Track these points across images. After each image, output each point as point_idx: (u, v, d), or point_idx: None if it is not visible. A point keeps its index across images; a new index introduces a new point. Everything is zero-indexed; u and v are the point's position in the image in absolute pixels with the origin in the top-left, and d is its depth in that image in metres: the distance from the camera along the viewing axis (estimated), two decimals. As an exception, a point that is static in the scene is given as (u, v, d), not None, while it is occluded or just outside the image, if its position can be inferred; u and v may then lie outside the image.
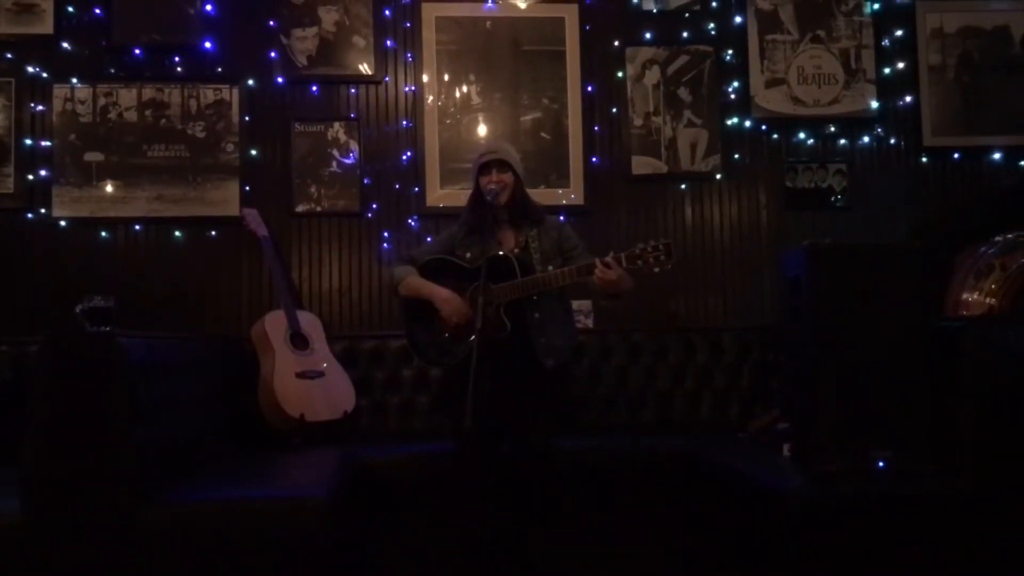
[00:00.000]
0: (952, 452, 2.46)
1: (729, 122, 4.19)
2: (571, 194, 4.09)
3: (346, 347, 3.72)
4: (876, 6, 4.24)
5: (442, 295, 3.03)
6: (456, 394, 2.68)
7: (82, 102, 3.92)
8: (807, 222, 4.15)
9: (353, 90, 4.09)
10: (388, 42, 4.10)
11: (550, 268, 3.02)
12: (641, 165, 4.14)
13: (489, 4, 4.11)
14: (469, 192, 3.25)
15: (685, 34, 4.19)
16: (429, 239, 3.80)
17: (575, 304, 3.80)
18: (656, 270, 2.81)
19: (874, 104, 4.20)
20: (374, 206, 4.04)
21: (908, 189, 4.20)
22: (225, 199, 3.96)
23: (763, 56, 4.21)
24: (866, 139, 4.23)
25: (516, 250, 3.09)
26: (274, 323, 3.47)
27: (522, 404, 2.84)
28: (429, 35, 4.09)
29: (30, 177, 3.89)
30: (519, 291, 2.93)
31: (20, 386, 2.30)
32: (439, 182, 4.05)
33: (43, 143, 3.91)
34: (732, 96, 4.21)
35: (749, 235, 4.18)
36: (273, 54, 4.03)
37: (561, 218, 3.43)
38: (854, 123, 4.22)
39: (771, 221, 4.19)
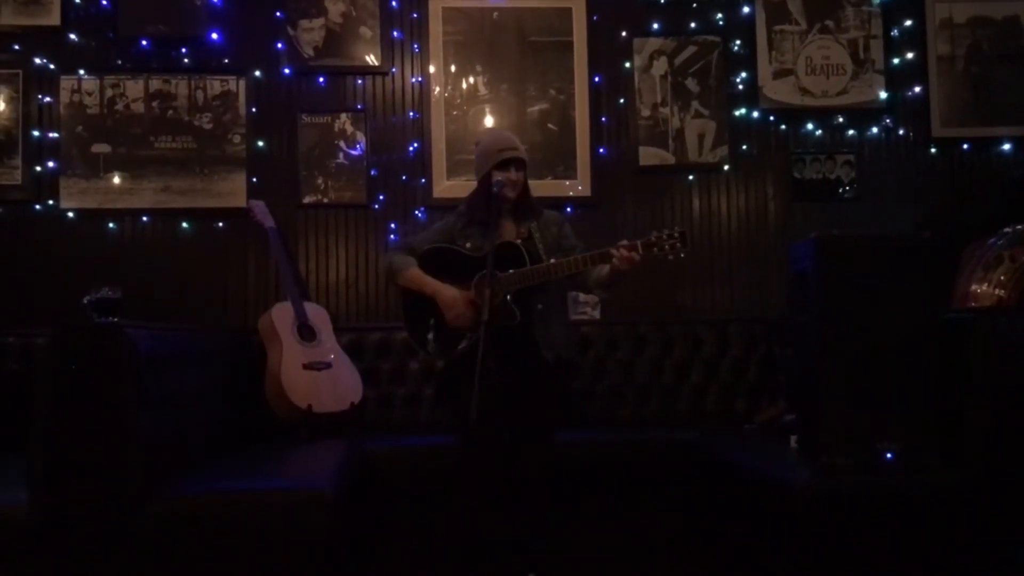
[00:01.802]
0: (960, 445, 2.45)
1: (737, 113, 4.17)
2: (578, 185, 4.08)
3: (353, 339, 3.72)
4: (885, -4, 4.21)
5: (447, 297, 2.94)
6: (458, 387, 2.67)
7: (89, 94, 3.92)
8: (815, 213, 4.12)
9: (360, 81, 4.08)
10: (395, 33, 4.09)
11: (551, 260, 2.99)
12: (648, 156, 4.13)
13: (496, -5, 4.10)
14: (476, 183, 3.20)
15: (693, 24, 4.17)
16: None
17: (582, 296, 3.79)
18: (671, 258, 2.78)
19: (883, 95, 4.17)
20: (381, 197, 4.04)
21: (916, 180, 4.18)
22: (232, 191, 3.96)
23: (771, 47, 4.18)
24: (874, 130, 4.20)
25: (519, 240, 3.06)
26: (281, 314, 3.48)
27: (524, 397, 2.82)
28: (436, 26, 4.08)
29: (38, 169, 3.90)
30: (528, 279, 2.88)
31: (28, 378, 2.31)
32: (446, 173, 4.04)
33: (50, 135, 3.91)
34: (740, 87, 4.19)
35: (756, 226, 4.16)
36: (280, 45, 4.02)
37: (568, 210, 3.38)
38: (862, 114, 4.19)
39: (779, 212, 4.17)
